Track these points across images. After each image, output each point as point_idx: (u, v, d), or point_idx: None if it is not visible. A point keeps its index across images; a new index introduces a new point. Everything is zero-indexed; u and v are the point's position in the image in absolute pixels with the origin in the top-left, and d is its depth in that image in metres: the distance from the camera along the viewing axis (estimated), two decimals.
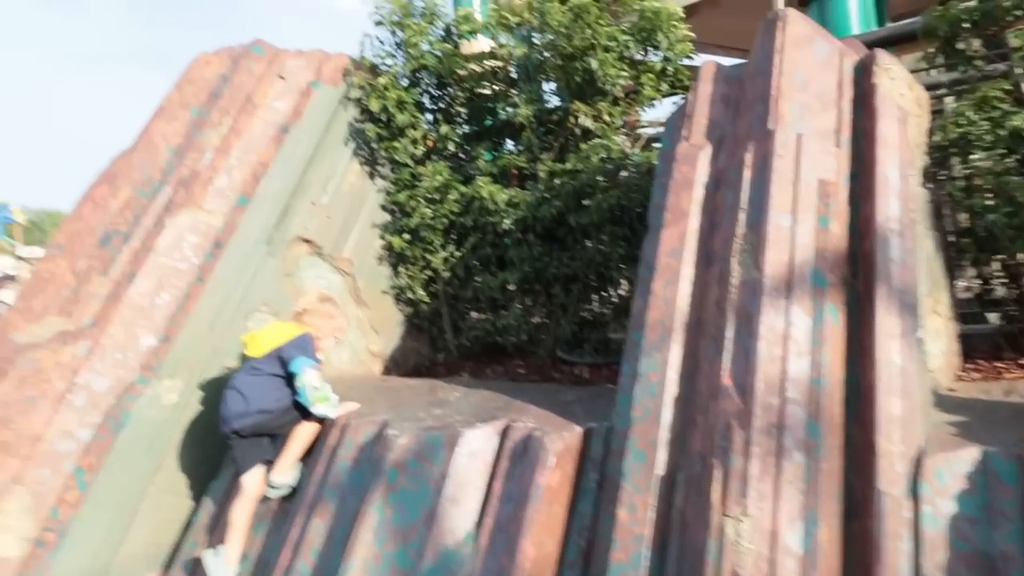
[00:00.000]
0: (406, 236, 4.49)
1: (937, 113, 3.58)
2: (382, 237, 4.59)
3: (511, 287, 4.23)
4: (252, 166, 4.14)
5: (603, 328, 4.04)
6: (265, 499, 2.99)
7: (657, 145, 4.71)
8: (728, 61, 3.28)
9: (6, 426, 3.28)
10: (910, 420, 2.06)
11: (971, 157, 3.02)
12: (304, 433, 2.99)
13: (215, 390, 3.63)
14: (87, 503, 3.16)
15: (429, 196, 4.44)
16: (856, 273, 2.41)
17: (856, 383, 2.19)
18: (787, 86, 2.63)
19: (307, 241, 4.33)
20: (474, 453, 2.54)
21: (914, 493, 1.93)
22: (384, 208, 4.70)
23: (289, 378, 3.00)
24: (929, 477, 1.93)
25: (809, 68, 2.71)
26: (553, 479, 2.37)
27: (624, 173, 3.89)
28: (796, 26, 2.75)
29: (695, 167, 2.86)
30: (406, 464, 2.51)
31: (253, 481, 2.96)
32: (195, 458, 3.53)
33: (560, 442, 2.44)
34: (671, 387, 2.40)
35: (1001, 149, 2.99)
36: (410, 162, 4.58)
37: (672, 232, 2.73)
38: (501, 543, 2.33)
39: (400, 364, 4.54)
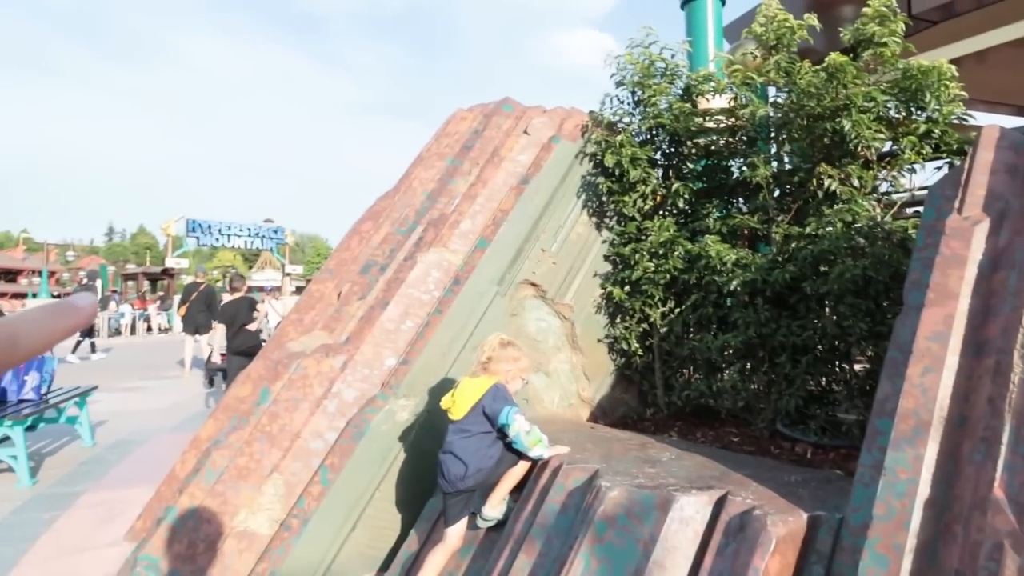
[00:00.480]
0: (627, 288, 4.55)
1: None
2: (603, 287, 4.70)
3: (730, 350, 4.07)
4: (493, 212, 4.51)
5: (832, 406, 3.71)
6: (474, 527, 3.16)
7: (913, 209, 4.29)
8: (992, 119, 2.89)
9: (275, 420, 3.87)
10: None
11: None
12: (517, 471, 3.13)
13: (438, 413, 3.96)
14: (327, 498, 3.59)
15: (653, 250, 4.46)
16: None
17: None
18: None
19: (533, 284, 4.58)
20: (686, 520, 2.47)
21: None
22: (607, 259, 4.81)
23: (497, 431, 3.14)
24: None
25: None
26: (772, 565, 2.22)
27: (867, 241, 3.58)
28: None
29: (969, 243, 2.55)
30: (616, 519, 2.51)
31: (457, 535, 3.12)
32: (416, 475, 3.85)
33: (783, 526, 2.28)
34: (923, 488, 2.13)
35: None
36: (637, 216, 4.66)
37: (935, 313, 2.46)
38: None
39: (608, 413, 4.56)
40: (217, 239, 32.33)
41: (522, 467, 3.14)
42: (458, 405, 3.20)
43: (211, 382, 10.46)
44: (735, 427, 4.11)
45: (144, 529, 3.60)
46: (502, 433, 3.14)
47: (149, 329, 26.08)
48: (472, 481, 3.08)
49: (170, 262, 31.15)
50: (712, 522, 2.47)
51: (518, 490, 3.17)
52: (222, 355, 9.33)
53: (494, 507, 3.11)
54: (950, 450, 2.18)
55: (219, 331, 8.45)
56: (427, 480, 3.84)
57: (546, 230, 4.66)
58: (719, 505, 2.50)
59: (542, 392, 4.43)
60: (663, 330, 4.43)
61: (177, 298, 20.78)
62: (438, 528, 3.39)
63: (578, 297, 4.66)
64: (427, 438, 3.88)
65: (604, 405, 4.60)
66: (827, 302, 3.70)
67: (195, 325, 12.21)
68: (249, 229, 33.69)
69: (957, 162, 3.83)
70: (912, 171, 4.05)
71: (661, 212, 4.75)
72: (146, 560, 3.49)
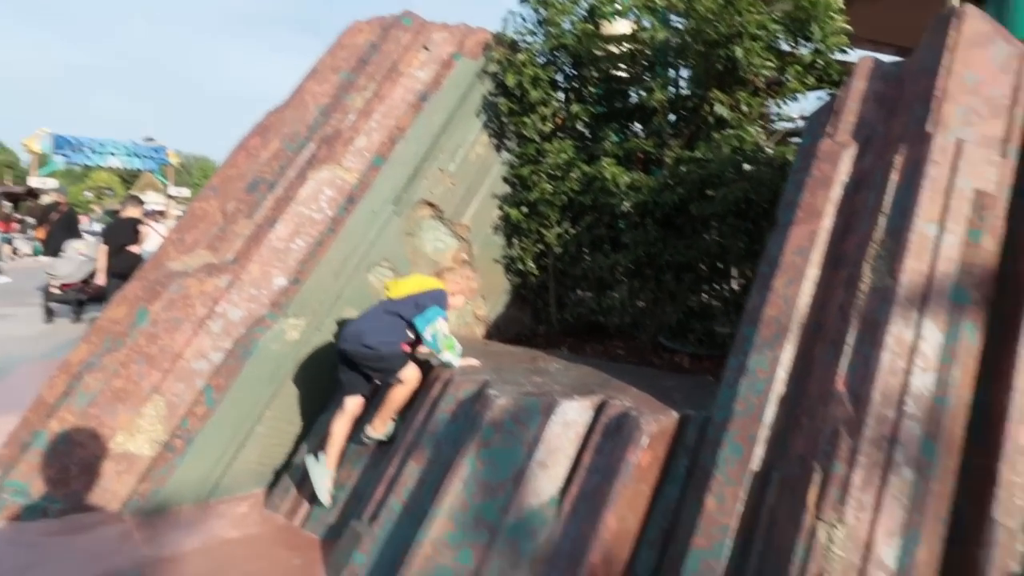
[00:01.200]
0: (524, 209, 4.58)
1: None
2: (500, 208, 4.71)
3: (620, 269, 4.22)
4: (390, 130, 4.36)
5: (710, 320, 3.95)
6: (360, 442, 3.20)
7: (795, 140, 4.51)
8: (882, 58, 3.08)
9: (154, 341, 3.69)
10: None
11: None
12: (399, 394, 3.15)
13: (330, 333, 3.91)
14: (213, 418, 3.50)
15: (551, 172, 4.49)
16: (1003, 292, 2.23)
17: (985, 407, 2.04)
18: (954, 88, 2.44)
19: (431, 205, 4.52)
20: (568, 423, 2.59)
21: None
22: (506, 180, 4.80)
23: (410, 327, 3.17)
24: None
25: (982, 70, 2.50)
26: (644, 459, 2.38)
27: (751, 165, 3.76)
28: (973, 24, 2.54)
29: (836, 166, 2.73)
30: (502, 424, 2.60)
31: (353, 404, 3.26)
32: (307, 392, 3.82)
33: (655, 424, 2.44)
34: (778, 386, 2.34)
35: None
36: (537, 138, 4.65)
37: (802, 230, 2.63)
38: (584, 511, 2.38)
39: (502, 331, 4.66)
40: (89, 157, 29.54)
41: (404, 390, 3.15)
42: (398, 287, 3.33)
43: (49, 314, 8.84)
44: (622, 341, 4.32)
45: (10, 456, 3.38)
46: (416, 338, 3.18)
47: (15, 252, 23.86)
48: (355, 350, 3.10)
49: (34, 181, 28.18)
50: (593, 424, 2.61)
51: (411, 405, 3.21)
52: (64, 285, 8.49)
53: (377, 428, 3.14)
54: (804, 352, 2.38)
55: (100, 253, 7.83)
56: (320, 397, 3.82)
57: (445, 150, 4.57)
58: (599, 409, 2.64)
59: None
60: (558, 250, 4.52)
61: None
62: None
63: (476, 218, 4.65)
64: (320, 357, 3.84)
65: (499, 323, 4.68)
66: (710, 223, 3.88)
67: (57, 248, 11.28)
68: (126, 148, 30.90)
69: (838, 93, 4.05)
70: (794, 100, 4.24)
71: (560, 134, 4.76)
72: (13, 486, 3.30)
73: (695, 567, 2.13)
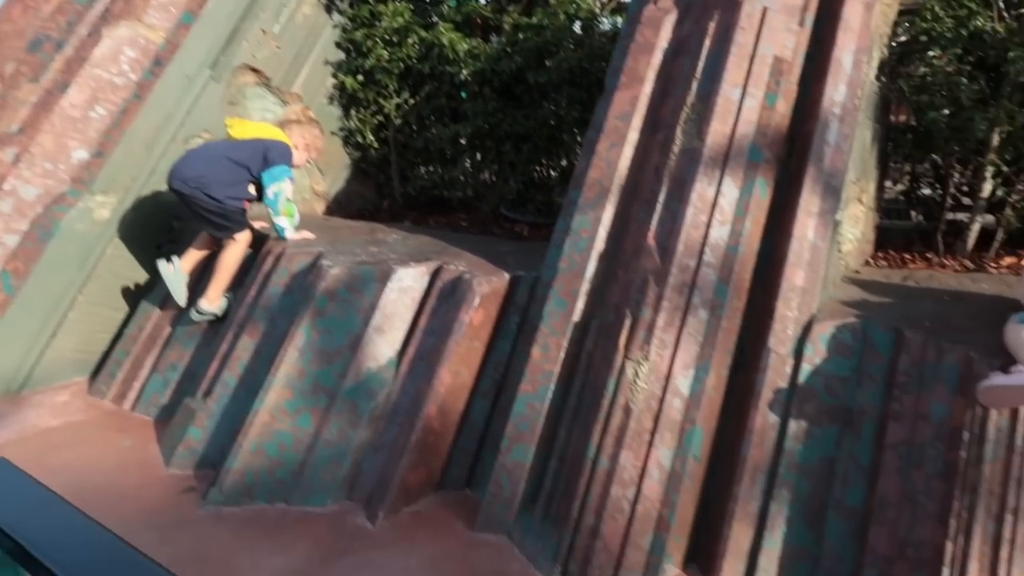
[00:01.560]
0: (360, 77, 4.33)
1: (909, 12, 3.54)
2: (335, 75, 4.42)
3: (463, 141, 4.19)
4: None
5: (550, 191, 4.08)
6: (190, 321, 3.06)
7: None
8: None
9: None
10: (810, 291, 2.22)
11: (929, 54, 3.04)
12: (230, 260, 3.00)
13: (149, 210, 3.59)
14: (14, 306, 3.16)
15: (387, 38, 4.24)
16: (791, 152, 2.48)
17: (769, 254, 2.32)
18: None
19: (255, 70, 4.13)
20: (404, 289, 2.63)
21: (798, 353, 2.12)
22: (339, 46, 4.48)
23: (255, 183, 3.00)
24: (814, 340, 2.11)
25: None
26: (476, 317, 2.49)
27: (585, 33, 3.78)
28: None
29: (658, 31, 2.80)
30: (336, 293, 2.58)
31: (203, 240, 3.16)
32: (128, 274, 3.53)
33: (487, 285, 2.54)
34: (599, 244, 2.49)
35: (958, 49, 3.01)
36: None
37: (624, 95, 2.72)
38: (420, 370, 2.48)
39: (343, 206, 4.52)
40: None
41: (235, 255, 3.01)
42: (245, 128, 3.12)
43: None
44: (465, 213, 4.37)
45: None
46: (258, 195, 3.04)
47: None
48: (215, 194, 2.92)
49: None
50: (428, 289, 2.66)
51: (242, 281, 3.09)
52: None
53: (211, 301, 3.00)
54: (623, 212, 2.54)
55: None
56: (147, 279, 3.56)
57: (266, 8, 4.13)
58: (435, 275, 2.69)
59: None
60: (398, 122, 4.38)
61: None
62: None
63: (308, 86, 4.33)
64: (139, 236, 3.54)
65: (340, 198, 4.53)
66: (548, 93, 3.90)
67: None
68: None
69: None
70: None
71: None
72: None
73: (521, 410, 2.31)
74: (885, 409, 2.00)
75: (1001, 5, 3.05)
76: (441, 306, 2.59)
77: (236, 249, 3.00)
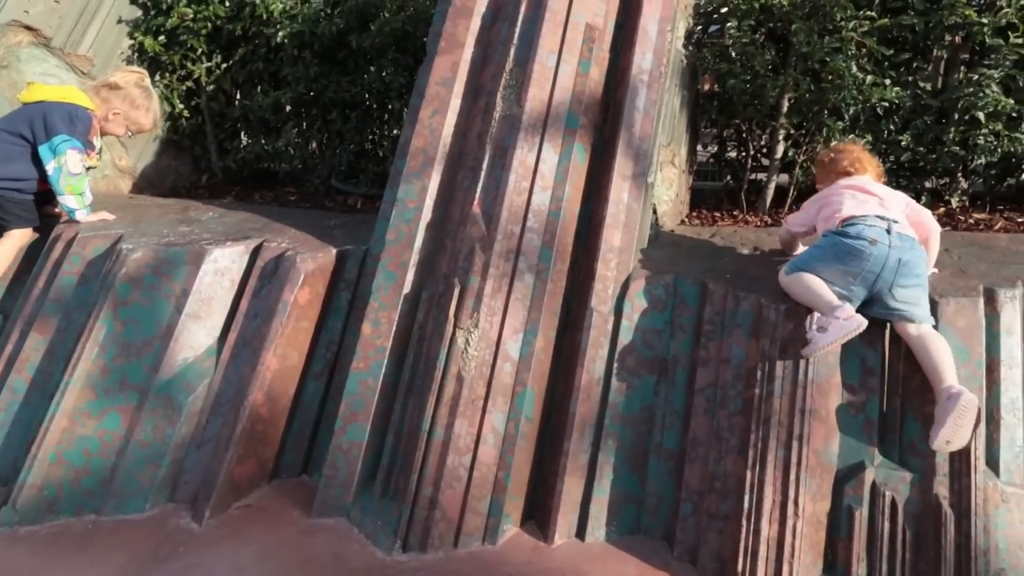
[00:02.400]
0: (161, 39, 3.91)
1: None
2: (132, 36, 3.95)
3: (287, 109, 3.94)
4: None
5: (383, 160, 3.96)
6: None
7: None
8: None
9: None
10: (627, 251, 2.34)
11: (728, 25, 3.27)
12: (7, 248, 2.63)
13: None
14: None
15: None
16: (606, 118, 2.57)
17: (589, 217, 2.41)
18: None
19: (29, 28, 3.59)
20: (221, 271, 2.44)
21: (618, 311, 2.24)
22: (135, 2, 4.01)
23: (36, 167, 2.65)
24: (631, 297, 2.24)
25: None
26: (302, 296, 2.37)
27: None
28: None
29: None
30: (140, 279, 2.34)
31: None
32: None
33: (312, 262, 2.43)
34: (427, 213, 2.46)
35: (752, 21, 3.26)
36: None
37: (445, 60, 2.67)
38: (244, 356, 2.33)
39: (155, 184, 4.11)
40: None
41: (12, 242, 2.64)
42: (34, 91, 2.74)
43: None
44: (294, 187, 4.13)
45: None
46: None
47: None
48: None
49: None
50: (249, 269, 2.49)
51: (28, 272, 2.71)
52: None
53: None
54: (448, 180, 2.52)
55: None
56: None
57: None
58: (255, 253, 2.52)
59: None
60: (211, 88, 4.02)
61: None
62: None
63: (99, 47, 3.84)
64: None
65: (150, 175, 4.10)
66: (373, 57, 3.75)
67: None
68: None
69: None
70: None
71: None
72: None
73: (354, 388, 2.25)
74: (694, 357, 2.18)
75: None
76: (263, 286, 2.44)
77: (10, 240, 2.62)
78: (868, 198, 2.13)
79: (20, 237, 2.66)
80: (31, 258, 2.69)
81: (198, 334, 2.36)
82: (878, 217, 2.03)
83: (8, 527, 2.09)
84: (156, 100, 2.96)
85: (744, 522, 1.92)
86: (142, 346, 2.30)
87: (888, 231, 1.97)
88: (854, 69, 3.02)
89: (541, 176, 2.35)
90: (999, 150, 3.01)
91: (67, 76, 3.73)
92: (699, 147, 3.89)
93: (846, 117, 3.19)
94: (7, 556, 1.98)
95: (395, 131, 4.02)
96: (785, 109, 3.29)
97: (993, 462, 1.91)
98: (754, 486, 1.94)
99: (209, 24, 3.85)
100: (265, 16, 3.78)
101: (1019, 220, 3.09)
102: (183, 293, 2.37)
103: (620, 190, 2.40)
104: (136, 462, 2.21)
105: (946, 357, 1.86)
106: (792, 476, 1.93)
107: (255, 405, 2.24)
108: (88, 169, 2.77)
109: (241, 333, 2.38)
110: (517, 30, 2.55)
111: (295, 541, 2.05)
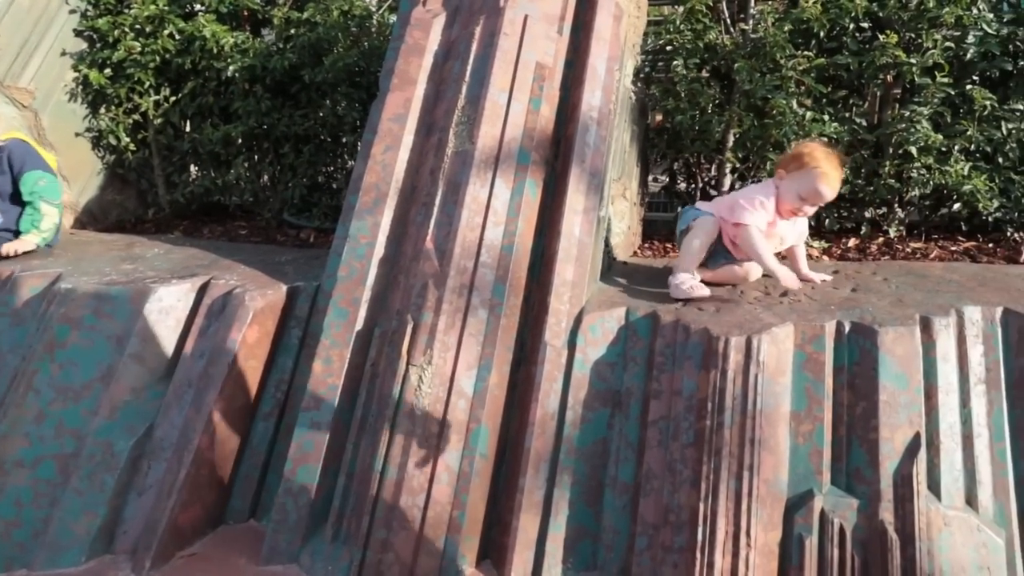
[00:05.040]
0: (107, 71, 3.84)
1: (658, 23, 3.90)
2: (76, 69, 3.87)
3: (238, 142, 3.89)
4: None
5: (335, 194, 3.94)
6: None
7: None
8: None
9: None
10: (579, 284, 2.36)
11: (674, 63, 3.38)
12: None
13: None
14: None
15: (138, 27, 3.80)
16: (557, 154, 2.61)
17: (541, 251, 2.43)
18: None
19: None
20: (166, 309, 2.38)
21: (572, 344, 2.25)
22: (79, 34, 3.94)
23: None
24: (584, 331, 2.25)
25: None
26: (250, 334, 2.32)
27: (360, 31, 3.69)
28: None
29: (428, 34, 2.80)
30: (80, 320, 2.26)
31: None
32: None
33: (261, 299, 2.38)
34: (379, 249, 2.44)
35: (697, 59, 3.38)
36: None
37: (397, 97, 2.69)
38: (189, 398, 2.26)
39: (99, 219, 3.99)
40: None
41: None
42: None
43: None
44: (244, 221, 4.07)
45: None
46: None
47: None
48: None
49: None
50: (195, 308, 2.43)
51: None
52: None
53: None
54: (401, 216, 2.51)
55: None
56: None
57: None
58: (202, 291, 2.46)
59: None
60: (158, 122, 3.94)
61: None
62: None
63: (41, 80, 3.75)
64: None
65: (93, 209, 3.99)
66: (327, 92, 3.75)
67: None
68: None
69: None
70: None
71: None
72: None
73: (305, 428, 2.20)
74: (647, 389, 2.19)
75: (728, 21, 3.48)
76: (210, 325, 2.38)
77: None
78: None
79: None
80: None
81: (140, 376, 2.28)
82: None
83: None
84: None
85: (698, 555, 1.92)
86: (80, 389, 2.21)
87: None
88: (794, 106, 3.14)
89: (494, 211, 2.37)
90: (931, 182, 3.16)
91: (7, 110, 3.63)
92: (650, 179, 3.98)
93: (788, 151, 3.31)
94: None
95: (349, 163, 4.01)
96: (731, 143, 3.40)
97: (935, 486, 1.97)
98: (707, 518, 1.95)
99: (157, 57, 3.80)
100: (216, 50, 3.75)
101: (952, 248, 3.23)
102: (125, 333, 2.29)
103: (572, 224, 2.43)
104: (71, 512, 2.10)
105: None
106: (744, 507, 1.95)
107: (200, 449, 2.17)
108: None
109: (186, 374, 2.31)
110: (469, 68, 2.59)
111: None
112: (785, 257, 2.68)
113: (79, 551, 2.09)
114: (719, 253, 2.63)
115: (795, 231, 2.60)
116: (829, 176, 2.40)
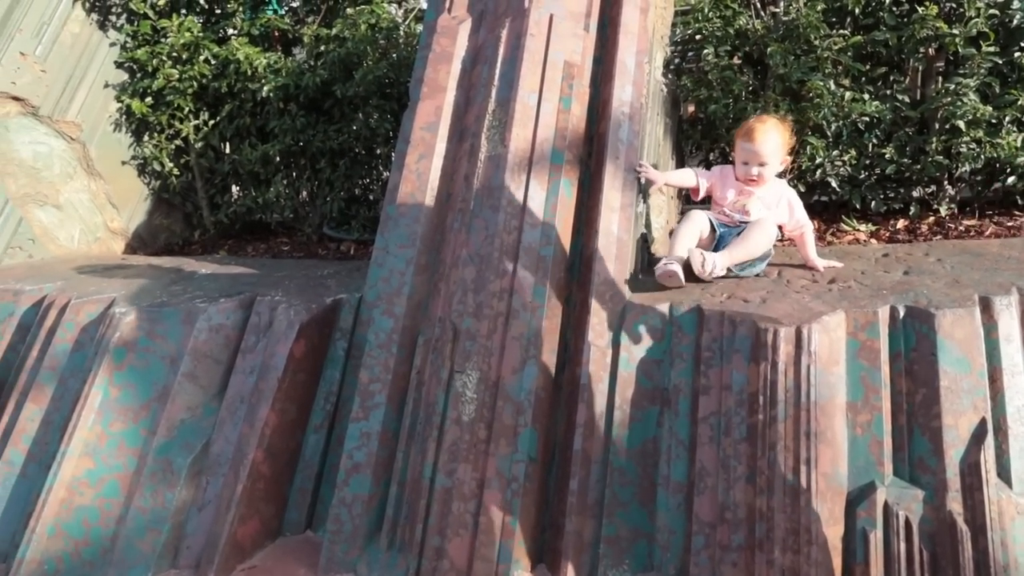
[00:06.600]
0: (148, 100, 3.97)
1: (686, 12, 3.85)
2: (119, 99, 4.01)
3: (276, 160, 3.98)
4: None
5: (373, 205, 3.99)
6: None
7: None
8: None
9: None
10: (620, 282, 2.34)
11: (704, 52, 3.32)
12: None
13: None
14: None
15: (175, 55, 3.92)
16: (590, 152, 2.59)
17: (580, 250, 2.41)
18: None
19: (17, 99, 3.65)
20: (216, 328, 2.44)
21: (616, 343, 2.22)
22: (120, 66, 4.08)
23: None
24: (628, 329, 2.22)
25: None
26: (298, 349, 2.36)
27: (388, 43, 3.73)
28: None
29: (455, 40, 2.82)
30: (135, 342, 2.34)
31: None
32: None
33: (306, 313, 2.42)
34: (418, 257, 2.46)
35: (728, 46, 3.32)
36: (151, 13, 3.98)
37: (428, 106, 2.71)
38: (242, 413, 2.31)
39: (148, 243, 4.13)
40: None
41: None
42: None
43: None
44: (286, 237, 4.15)
45: None
46: None
47: None
48: None
49: None
50: (244, 325, 2.49)
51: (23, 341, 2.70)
52: None
53: None
54: (438, 223, 2.53)
55: None
56: None
57: (23, 28, 3.66)
58: (249, 308, 2.52)
59: (55, 229, 3.73)
60: (199, 145, 4.06)
61: None
62: None
63: (87, 113, 3.90)
64: None
65: (142, 234, 4.13)
66: (358, 105, 3.80)
67: None
68: None
69: None
70: None
71: (182, 11, 4.13)
72: None
73: (355, 439, 2.23)
74: (695, 385, 2.15)
75: (758, 5, 3.41)
76: (259, 341, 2.43)
77: None
78: None
79: None
80: (25, 326, 2.69)
81: (194, 394, 2.34)
82: None
83: None
84: None
85: (758, 552, 1.88)
86: (139, 409, 2.29)
87: None
88: (832, 86, 3.06)
89: (530, 213, 2.36)
90: (982, 157, 3.04)
91: (56, 143, 3.78)
92: None
93: (828, 134, 3.22)
94: None
95: (384, 175, 4.06)
96: None
97: (1004, 473, 1.88)
98: (764, 514, 1.91)
99: (195, 83, 3.91)
100: (249, 72, 3.84)
101: (1008, 224, 3.10)
102: (178, 353, 2.36)
103: (609, 222, 2.41)
104: (136, 529, 2.17)
105: None
106: (803, 502, 1.89)
107: (255, 463, 2.21)
108: None
109: (238, 390, 2.36)
110: (497, 71, 2.59)
111: None
112: (794, 244, 2.69)
113: (145, 567, 2.15)
114: (724, 237, 2.63)
115: (783, 213, 2.60)
116: (741, 129, 2.58)
